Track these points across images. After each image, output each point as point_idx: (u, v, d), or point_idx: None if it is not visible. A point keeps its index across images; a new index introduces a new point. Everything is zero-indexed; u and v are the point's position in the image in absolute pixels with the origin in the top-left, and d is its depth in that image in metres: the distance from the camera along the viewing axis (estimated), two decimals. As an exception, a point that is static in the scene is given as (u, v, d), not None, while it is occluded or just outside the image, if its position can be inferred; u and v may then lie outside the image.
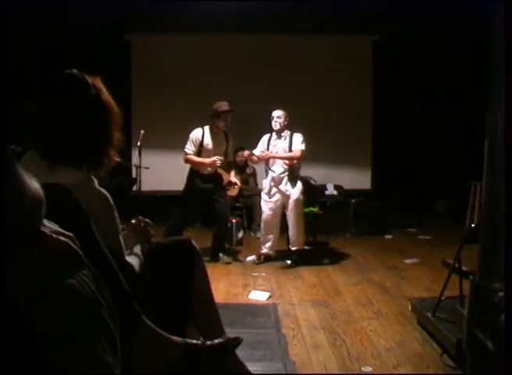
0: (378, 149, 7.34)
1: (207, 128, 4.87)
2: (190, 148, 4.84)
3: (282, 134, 4.90)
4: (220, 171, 5.04)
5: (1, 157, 0.83)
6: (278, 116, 4.85)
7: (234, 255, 5.17)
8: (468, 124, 6.21)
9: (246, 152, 4.94)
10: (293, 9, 6.17)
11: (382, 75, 7.14)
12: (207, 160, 4.79)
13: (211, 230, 5.11)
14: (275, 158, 4.87)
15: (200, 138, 4.83)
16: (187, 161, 4.89)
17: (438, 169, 7.13)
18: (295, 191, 4.83)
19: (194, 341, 1.54)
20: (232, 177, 5.25)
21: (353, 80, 7.26)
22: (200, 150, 4.84)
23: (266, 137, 4.99)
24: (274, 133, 4.94)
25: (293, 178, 4.86)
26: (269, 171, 4.94)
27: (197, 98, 6.72)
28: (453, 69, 6.82)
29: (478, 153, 2.51)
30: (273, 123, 4.86)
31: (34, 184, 0.90)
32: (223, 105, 4.78)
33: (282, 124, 4.84)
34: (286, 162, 4.85)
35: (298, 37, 7.04)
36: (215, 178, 4.94)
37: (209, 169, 4.84)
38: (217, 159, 4.75)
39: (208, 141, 4.85)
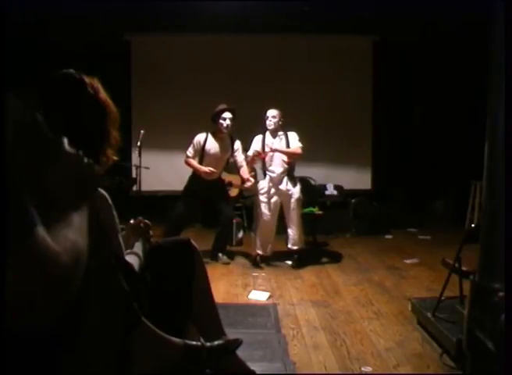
0: (378, 149, 7.35)
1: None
2: (190, 151, 4.88)
3: (277, 134, 4.82)
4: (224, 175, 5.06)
5: (0, 157, 0.83)
6: (273, 116, 4.77)
7: (234, 256, 5.16)
8: (468, 124, 6.21)
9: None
10: (293, 9, 6.18)
11: (382, 75, 7.14)
12: (202, 169, 4.77)
13: (212, 230, 5.10)
14: (277, 151, 4.70)
15: (202, 143, 4.83)
16: (186, 163, 4.93)
17: (438, 169, 7.13)
18: (296, 190, 4.81)
19: (194, 343, 1.54)
20: (241, 177, 5.15)
21: (353, 80, 7.26)
22: (203, 155, 4.84)
23: (259, 137, 4.89)
24: (268, 133, 4.84)
25: (292, 177, 4.84)
26: (268, 172, 4.86)
27: (197, 98, 6.73)
28: (453, 68, 6.82)
29: (478, 153, 2.50)
30: (268, 122, 4.78)
31: None
32: (220, 106, 4.78)
33: (276, 124, 4.76)
34: (286, 160, 4.76)
35: (298, 37, 7.05)
36: (216, 182, 4.93)
37: (207, 175, 4.78)
38: (209, 171, 4.72)
39: (211, 146, 4.84)
